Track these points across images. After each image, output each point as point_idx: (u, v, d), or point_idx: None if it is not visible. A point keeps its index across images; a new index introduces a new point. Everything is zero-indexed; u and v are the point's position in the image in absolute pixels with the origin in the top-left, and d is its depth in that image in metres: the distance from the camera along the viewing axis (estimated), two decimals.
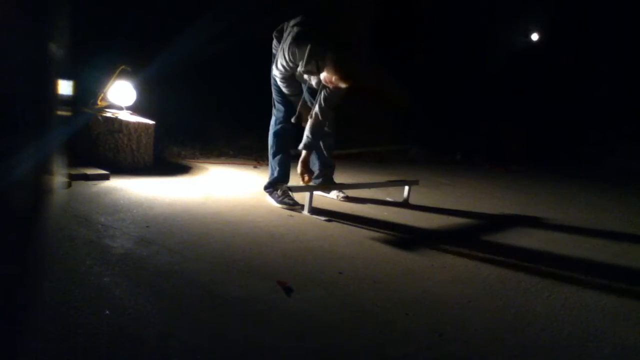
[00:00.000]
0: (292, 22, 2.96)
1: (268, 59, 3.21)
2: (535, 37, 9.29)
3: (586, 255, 2.88)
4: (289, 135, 3.25)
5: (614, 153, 7.81)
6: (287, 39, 2.88)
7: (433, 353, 1.58)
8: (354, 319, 1.74)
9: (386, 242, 2.70)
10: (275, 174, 3.23)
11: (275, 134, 3.22)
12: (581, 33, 8.54)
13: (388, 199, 3.79)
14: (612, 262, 2.82)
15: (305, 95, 3.19)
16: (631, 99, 8.38)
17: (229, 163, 4.73)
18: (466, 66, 8.09)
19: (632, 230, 3.75)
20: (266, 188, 3.27)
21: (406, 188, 3.74)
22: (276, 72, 3.01)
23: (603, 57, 8.65)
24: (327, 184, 3.53)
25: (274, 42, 3.15)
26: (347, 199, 3.56)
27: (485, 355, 1.61)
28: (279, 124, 3.21)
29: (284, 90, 3.08)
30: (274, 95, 3.21)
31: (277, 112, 3.22)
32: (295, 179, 3.33)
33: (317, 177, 3.53)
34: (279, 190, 3.19)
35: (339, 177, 3.78)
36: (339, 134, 3.59)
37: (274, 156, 3.24)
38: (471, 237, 3.02)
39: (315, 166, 3.53)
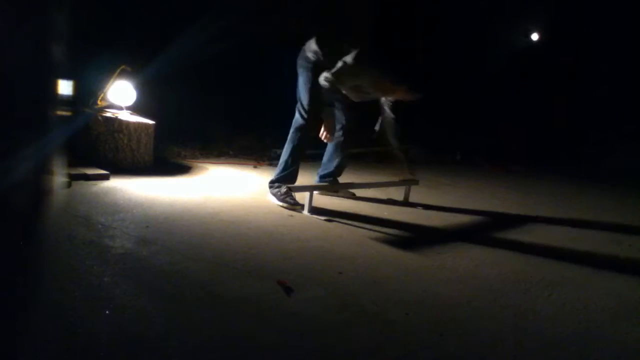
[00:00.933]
0: (350, 44, 3.02)
1: (268, 60, 3.19)
2: (535, 37, 9.28)
3: (586, 255, 2.88)
4: (309, 138, 3.29)
5: (614, 153, 7.78)
6: (363, 63, 3.00)
7: (433, 353, 1.58)
8: (354, 319, 1.74)
9: (386, 242, 2.70)
10: (287, 171, 3.22)
11: (300, 134, 3.23)
12: (581, 33, 8.52)
13: (388, 198, 3.79)
14: (612, 262, 2.82)
15: (337, 105, 3.33)
16: (631, 99, 8.36)
17: (229, 163, 4.72)
18: (466, 66, 8.07)
19: (632, 230, 3.74)
20: (272, 182, 3.26)
21: (406, 188, 3.75)
22: (331, 79, 3.03)
23: (603, 57, 8.64)
24: (328, 185, 3.54)
25: (315, 48, 3.13)
26: (353, 196, 3.65)
27: (485, 355, 1.61)
28: (305, 126, 3.22)
29: (324, 95, 3.14)
30: (308, 99, 3.20)
31: (306, 115, 3.21)
32: (298, 180, 3.33)
33: (327, 177, 3.57)
34: (282, 188, 3.19)
35: (340, 177, 3.77)
36: None
37: (290, 154, 3.23)
38: (471, 237, 3.02)
39: (332, 163, 3.56)
